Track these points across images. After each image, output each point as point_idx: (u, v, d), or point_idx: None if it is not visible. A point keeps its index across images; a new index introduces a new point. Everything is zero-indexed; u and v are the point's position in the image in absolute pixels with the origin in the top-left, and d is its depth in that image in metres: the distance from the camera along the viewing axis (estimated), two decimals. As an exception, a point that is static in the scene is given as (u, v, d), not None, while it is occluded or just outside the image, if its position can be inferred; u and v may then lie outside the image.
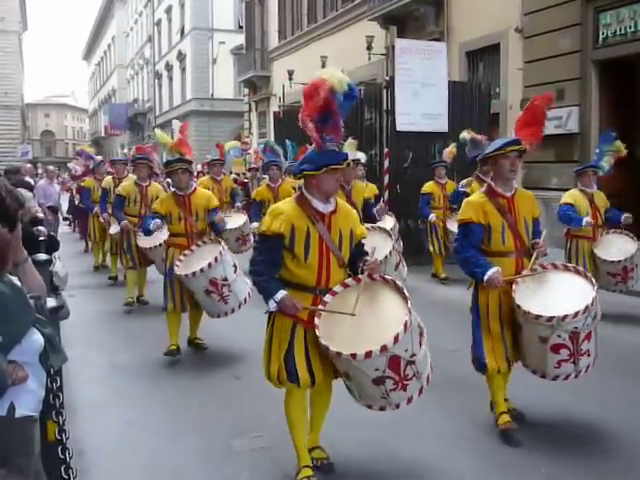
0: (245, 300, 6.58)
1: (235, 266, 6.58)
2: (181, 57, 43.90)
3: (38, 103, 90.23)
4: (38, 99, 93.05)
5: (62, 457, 2.70)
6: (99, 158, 14.76)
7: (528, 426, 4.93)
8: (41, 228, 6.07)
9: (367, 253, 4.25)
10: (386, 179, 12.67)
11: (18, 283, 2.52)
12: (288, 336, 4.05)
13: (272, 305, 3.99)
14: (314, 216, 4.04)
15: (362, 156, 10.59)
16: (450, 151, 11.34)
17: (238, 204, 12.01)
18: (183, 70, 44.02)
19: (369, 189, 10.08)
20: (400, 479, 4.22)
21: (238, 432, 4.92)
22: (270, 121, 24.42)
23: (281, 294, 3.96)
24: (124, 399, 5.75)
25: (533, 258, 4.76)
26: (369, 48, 19.63)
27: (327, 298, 3.99)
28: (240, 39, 34.09)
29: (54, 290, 4.12)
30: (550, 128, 13.51)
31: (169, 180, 14.40)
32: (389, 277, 4.11)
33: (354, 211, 4.44)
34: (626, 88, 12.79)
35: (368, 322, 3.83)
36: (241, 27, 33.79)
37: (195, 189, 7.12)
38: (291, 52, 26.92)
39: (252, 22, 30.79)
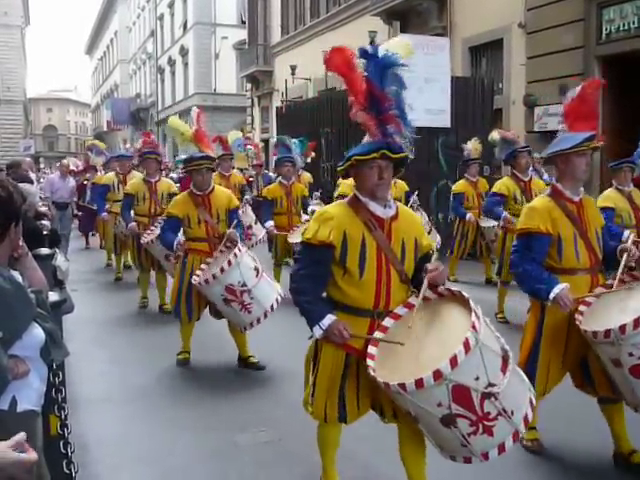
0: (272, 307, 5.81)
1: (257, 269, 5.81)
2: (184, 52, 43.85)
3: (41, 98, 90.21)
4: (41, 94, 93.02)
5: (64, 451, 2.71)
6: (110, 154, 14.48)
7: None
8: (44, 222, 6.10)
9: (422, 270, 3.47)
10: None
11: (19, 278, 2.53)
12: (340, 371, 3.44)
13: (318, 332, 3.34)
14: (371, 222, 3.37)
15: None
16: (475, 147, 10.74)
17: (247, 197, 11.32)
18: (186, 65, 43.97)
19: (398, 187, 9.57)
20: None
21: (242, 427, 4.92)
22: (273, 116, 24.39)
23: (329, 319, 3.30)
24: (127, 394, 5.75)
25: (622, 266, 4.00)
26: (372, 43, 19.53)
27: (387, 322, 3.32)
28: (243, 34, 34.05)
29: (58, 284, 4.13)
30: (553, 124, 13.50)
31: (173, 176, 14.06)
32: (455, 288, 3.31)
33: (419, 217, 3.83)
34: (630, 84, 12.76)
35: (429, 345, 3.10)
36: (244, 22, 33.78)
37: (213, 188, 6.41)
38: (294, 47, 26.90)
39: (255, 17, 30.76)
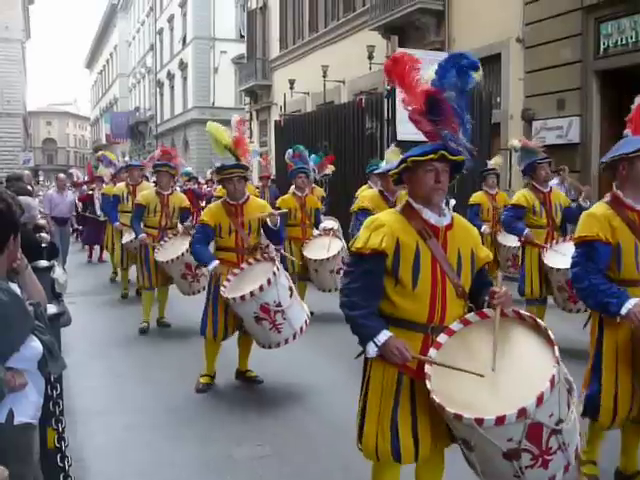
0: (302, 330, 5.62)
1: (291, 289, 5.63)
2: (183, 66, 44.03)
3: (40, 111, 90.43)
4: (40, 107, 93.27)
5: (61, 465, 2.70)
6: (120, 164, 13.87)
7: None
8: (43, 235, 6.09)
9: (492, 283, 3.29)
10: (387, 188, 12.68)
11: (17, 290, 2.52)
12: (392, 393, 3.15)
13: (372, 350, 3.09)
14: (425, 231, 3.15)
15: None
16: (497, 162, 10.47)
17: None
18: (184, 79, 44.14)
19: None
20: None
21: (239, 441, 4.91)
22: (271, 130, 24.46)
23: (385, 335, 3.06)
24: (124, 406, 5.73)
25: None
26: (370, 57, 19.68)
27: (441, 338, 3.07)
28: (241, 48, 34.21)
29: (56, 297, 4.12)
30: (551, 138, 13.57)
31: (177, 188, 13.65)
32: (526, 313, 3.06)
33: (474, 228, 3.50)
34: (627, 98, 12.79)
35: (507, 377, 2.84)
36: (242, 36, 33.93)
37: (248, 197, 6.22)
38: (292, 61, 27.01)
39: (253, 31, 30.89)
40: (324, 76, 22.21)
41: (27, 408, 2.42)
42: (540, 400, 2.61)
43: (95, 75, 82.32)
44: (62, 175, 14.52)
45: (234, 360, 6.36)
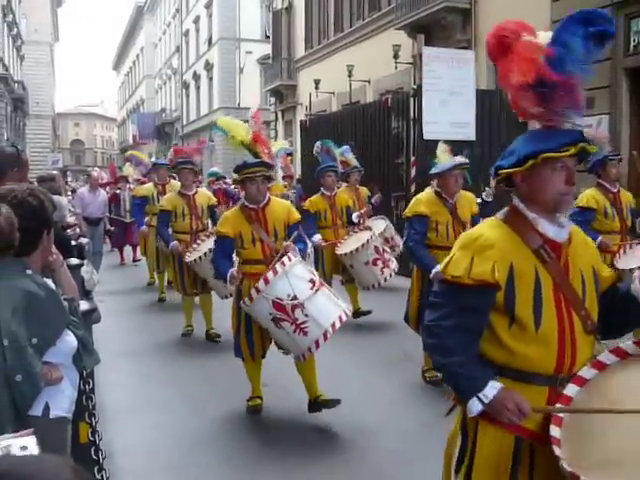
0: (334, 326, 4.70)
1: (313, 282, 4.83)
2: (208, 67, 44.21)
3: (68, 112, 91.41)
4: (68, 109, 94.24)
5: (95, 458, 2.73)
6: (149, 163, 13.40)
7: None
8: (70, 232, 6.16)
9: (630, 298, 2.45)
10: (413, 188, 12.63)
11: (52, 285, 2.56)
12: (509, 464, 2.38)
13: (476, 407, 2.34)
14: (544, 250, 2.40)
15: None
16: None
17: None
18: (210, 80, 44.31)
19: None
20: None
21: (265, 440, 4.94)
22: (296, 130, 24.48)
23: (494, 389, 2.33)
24: (152, 405, 5.78)
25: None
26: (396, 57, 19.62)
27: (570, 390, 2.35)
28: (267, 49, 34.26)
29: (85, 294, 4.17)
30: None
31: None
32: None
33: (591, 240, 2.71)
34: (657, 96, 12.65)
35: None
36: (268, 37, 33.98)
37: (269, 200, 5.45)
38: (318, 61, 27.00)
39: (279, 32, 30.94)
40: (349, 76, 22.18)
41: (62, 402, 2.45)
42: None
43: (122, 77, 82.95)
44: (95, 173, 13.94)
45: (265, 364, 6.31)
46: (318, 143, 9.58)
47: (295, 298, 4.65)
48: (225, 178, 19.57)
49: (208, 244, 7.39)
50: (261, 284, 4.65)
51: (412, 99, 12.81)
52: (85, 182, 16.45)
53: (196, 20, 46.66)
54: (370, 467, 4.40)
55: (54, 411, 2.41)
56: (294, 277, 4.73)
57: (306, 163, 15.67)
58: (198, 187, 8.86)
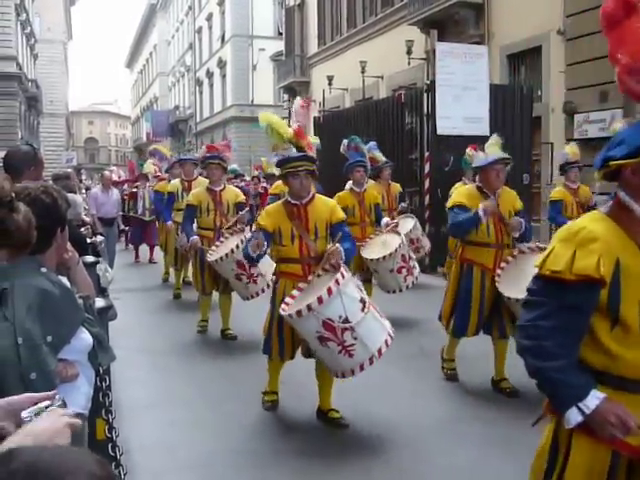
0: (380, 352, 4.49)
1: (363, 301, 4.56)
2: (221, 64, 44.30)
3: (82, 111, 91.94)
4: (82, 107, 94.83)
5: (112, 454, 2.75)
6: (173, 159, 12.87)
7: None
8: (84, 231, 6.20)
9: None
10: (427, 183, 12.62)
11: (67, 283, 2.58)
12: None
13: (574, 418, 2.16)
14: None
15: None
16: (573, 151, 9.24)
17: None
18: (223, 77, 44.40)
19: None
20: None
21: (283, 435, 4.94)
22: (310, 126, 24.49)
23: (596, 398, 2.14)
24: (169, 401, 5.80)
25: None
26: (409, 52, 19.59)
27: None
28: (280, 45, 34.29)
29: (102, 292, 4.20)
30: (594, 131, 13.36)
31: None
32: None
33: None
34: (672, 90, 12.54)
35: None
36: (281, 34, 34.02)
37: (313, 196, 5.24)
38: (331, 58, 26.99)
39: (292, 28, 30.95)
40: (362, 72, 22.16)
41: (78, 399, 2.47)
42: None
43: (135, 74, 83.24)
44: (107, 172, 13.79)
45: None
46: (345, 141, 9.27)
47: (347, 321, 4.37)
48: (243, 176, 19.35)
49: (231, 243, 7.20)
50: (314, 303, 4.30)
51: (425, 94, 12.80)
52: (99, 181, 16.25)
53: (209, 17, 46.77)
54: (385, 461, 4.41)
55: (71, 408, 2.42)
56: (347, 297, 4.43)
57: (321, 159, 15.64)
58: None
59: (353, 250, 5.22)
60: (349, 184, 8.84)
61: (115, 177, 20.68)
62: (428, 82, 13.40)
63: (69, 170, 12.99)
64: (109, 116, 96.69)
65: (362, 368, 4.49)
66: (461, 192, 6.01)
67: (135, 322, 8.56)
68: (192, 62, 51.90)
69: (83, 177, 33.57)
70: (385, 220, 8.48)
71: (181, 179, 10.25)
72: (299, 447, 4.72)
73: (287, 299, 4.74)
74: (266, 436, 4.95)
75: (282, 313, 4.61)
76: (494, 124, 12.74)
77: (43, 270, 2.48)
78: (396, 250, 7.77)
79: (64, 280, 2.59)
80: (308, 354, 5.11)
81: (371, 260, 7.90)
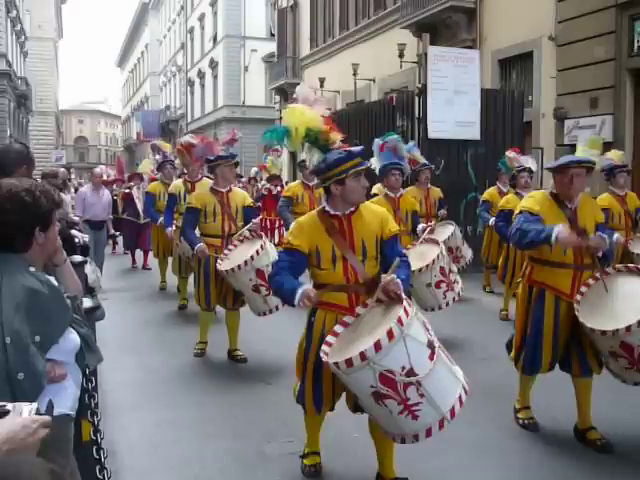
0: (454, 412, 3.41)
1: (431, 344, 3.43)
2: (213, 64, 44.24)
3: (72, 109, 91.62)
4: (72, 105, 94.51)
5: (97, 457, 2.73)
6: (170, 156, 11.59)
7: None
8: (76, 233, 6.15)
9: None
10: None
11: (55, 283, 2.56)
12: None
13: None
14: None
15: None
16: (616, 155, 8.36)
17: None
18: (215, 77, 44.34)
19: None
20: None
21: (269, 436, 4.92)
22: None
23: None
24: (155, 402, 5.77)
25: None
26: (401, 56, 19.61)
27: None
28: (272, 47, 34.28)
29: (89, 292, 4.17)
30: (584, 137, 13.38)
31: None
32: None
33: None
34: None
35: None
36: (273, 35, 34.02)
37: (358, 204, 4.05)
38: (323, 60, 26.99)
39: (284, 30, 30.94)
40: (354, 74, 22.17)
41: (66, 400, 2.45)
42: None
43: (126, 74, 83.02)
44: (98, 170, 12.22)
45: (267, 362, 6.25)
46: (378, 140, 8.30)
47: (411, 373, 3.30)
48: (242, 177, 18.78)
49: (246, 249, 6.37)
50: (370, 351, 3.22)
51: (417, 98, 12.82)
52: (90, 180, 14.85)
53: (201, 17, 46.71)
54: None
55: (58, 408, 2.40)
56: (412, 341, 3.34)
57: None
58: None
59: (409, 280, 4.06)
60: (376, 187, 8.39)
61: (104, 177, 20.03)
62: (420, 86, 13.41)
63: (58, 169, 12.56)
64: (99, 115, 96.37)
65: (429, 433, 3.44)
66: (534, 197, 4.93)
67: (123, 323, 8.52)
68: (184, 62, 51.80)
69: (72, 176, 33.41)
70: (421, 226, 7.76)
71: (184, 180, 9.29)
72: (287, 448, 4.70)
73: (329, 338, 3.70)
74: (253, 435, 4.93)
75: (323, 358, 3.56)
76: (485, 128, 12.80)
77: (32, 269, 2.46)
78: (434, 262, 6.92)
79: (52, 280, 2.57)
80: (357, 408, 3.97)
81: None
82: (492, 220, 8.91)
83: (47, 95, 57.49)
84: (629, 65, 12.83)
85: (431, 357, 3.38)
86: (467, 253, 9.53)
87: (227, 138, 8.20)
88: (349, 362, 3.27)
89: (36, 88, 50.81)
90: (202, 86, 47.91)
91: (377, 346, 3.22)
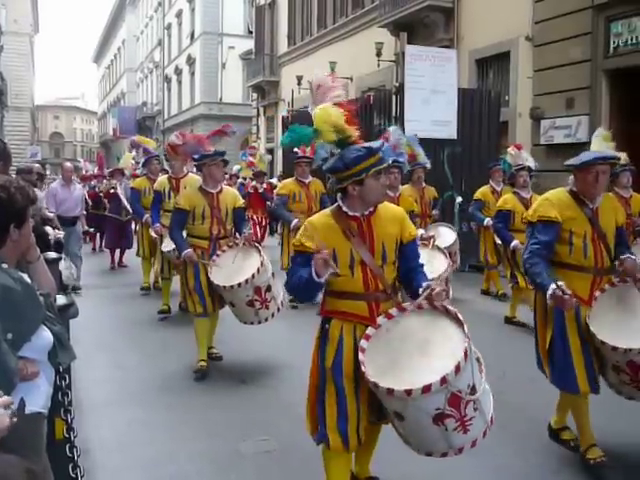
0: (492, 418, 3.29)
1: (478, 359, 3.26)
2: (190, 61, 44.05)
3: (48, 105, 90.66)
4: (48, 101, 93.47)
5: (70, 455, 2.71)
6: (154, 153, 11.08)
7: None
8: (49, 230, 6.07)
9: None
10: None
11: (28, 280, 2.53)
12: None
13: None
14: None
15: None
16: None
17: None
18: (192, 74, 44.15)
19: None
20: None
21: (244, 435, 4.90)
22: (278, 126, 24.42)
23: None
24: (129, 400, 5.74)
25: None
26: (378, 55, 19.65)
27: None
28: (249, 44, 34.20)
29: (63, 289, 4.14)
30: (559, 137, 13.51)
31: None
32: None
33: None
34: (637, 98, 12.76)
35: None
36: (251, 32, 33.93)
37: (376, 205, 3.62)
38: (300, 57, 26.97)
39: (262, 27, 30.89)
40: (332, 72, 22.18)
41: (38, 397, 2.43)
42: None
43: (103, 70, 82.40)
44: (68, 164, 11.70)
45: (242, 360, 6.21)
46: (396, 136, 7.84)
47: (474, 391, 3.13)
48: (227, 174, 18.41)
49: (243, 264, 6.05)
50: (451, 375, 2.97)
51: (394, 97, 12.86)
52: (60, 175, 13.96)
53: (179, 14, 46.47)
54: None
55: (30, 407, 2.38)
56: (472, 357, 3.18)
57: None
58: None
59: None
60: None
61: (84, 171, 19.20)
62: (397, 84, 13.46)
63: (32, 165, 12.29)
64: (75, 111, 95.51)
65: (474, 444, 3.25)
66: (550, 201, 4.39)
67: (98, 320, 8.46)
68: (161, 58, 51.50)
69: (48, 172, 33.07)
70: (420, 232, 7.05)
71: (169, 176, 9.05)
72: (262, 447, 4.69)
73: (362, 356, 3.28)
74: (227, 436, 4.90)
75: (377, 387, 3.12)
76: (462, 128, 12.87)
77: (4, 266, 2.43)
78: (446, 270, 6.57)
79: (25, 277, 2.54)
80: (378, 419, 3.65)
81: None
82: (487, 220, 8.90)
83: (23, 90, 56.86)
84: (605, 66, 12.96)
85: (480, 370, 3.24)
86: (458, 259, 9.25)
87: (216, 129, 7.66)
88: (427, 389, 2.99)
89: (11, 83, 50.22)
90: (179, 83, 47.69)
91: (457, 369, 3.01)
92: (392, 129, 8.15)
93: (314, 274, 3.33)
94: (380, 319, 3.42)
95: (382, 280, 3.54)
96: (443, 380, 2.98)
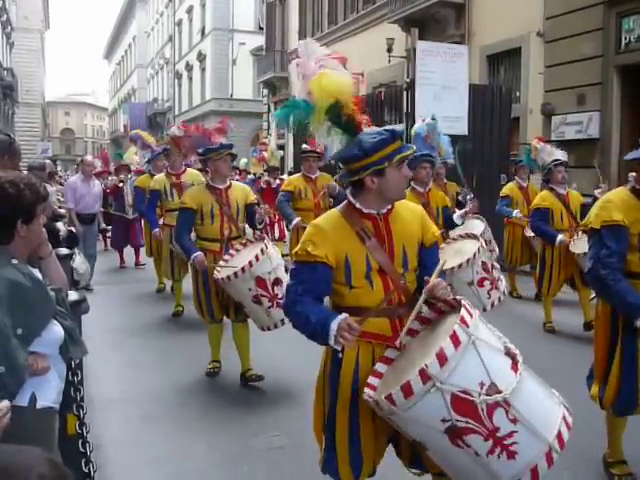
0: (561, 437, 2.49)
1: (509, 351, 2.61)
2: (201, 57, 44.09)
3: (59, 101, 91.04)
4: (59, 97, 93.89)
5: (82, 450, 2.71)
6: (158, 149, 10.58)
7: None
8: (60, 225, 6.08)
9: None
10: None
11: (39, 275, 2.54)
12: None
13: None
14: None
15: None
16: None
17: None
18: (203, 70, 44.20)
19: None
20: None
21: (256, 431, 4.89)
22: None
23: None
24: (140, 396, 5.74)
25: None
26: (389, 50, 19.60)
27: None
28: (260, 40, 34.19)
29: (74, 285, 4.15)
30: (570, 133, 13.45)
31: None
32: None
33: None
34: (648, 94, 12.70)
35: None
36: (261, 28, 33.92)
37: (394, 204, 3.09)
38: (311, 54, 26.96)
39: (272, 23, 30.89)
40: (344, 68, 22.14)
41: (49, 392, 2.43)
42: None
43: (113, 66, 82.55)
44: (89, 158, 11.17)
45: (256, 357, 6.14)
46: (420, 131, 7.60)
47: (494, 390, 2.42)
48: (238, 169, 18.06)
49: (247, 254, 5.53)
50: (433, 366, 2.37)
51: (405, 93, 12.80)
52: (77, 170, 13.62)
53: (189, 10, 46.51)
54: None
55: (41, 401, 2.39)
56: (485, 348, 2.49)
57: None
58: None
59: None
60: None
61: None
62: (408, 80, 13.40)
63: (47, 161, 12.14)
64: (86, 107, 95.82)
65: (536, 475, 2.45)
66: (613, 202, 3.76)
67: (107, 316, 8.45)
68: (171, 55, 51.58)
69: (59, 168, 33.16)
70: (458, 214, 7.02)
71: (167, 172, 8.65)
72: (273, 442, 4.69)
73: (371, 379, 2.77)
74: (238, 432, 4.90)
75: (368, 401, 2.68)
76: (473, 124, 12.81)
77: (14, 262, 2.43)
78: (474, 256, 5.88)
79: (36, 272, 2.55)
80: (414, 459, 3.02)
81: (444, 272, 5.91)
82: (516, 212, 8.95)
83: (33, 87, 57.07)
84: (617, 62, 12.89)
85: (514, 368, 2.51)
86: (495, 247, 8.24)
87: (216, 126, 7.08)
88: (407, 388, 2.38)
89: (22, 79, 50.42)
90: (190, 79, 47.74)
91: (441, 357, 2.36)
92: (427, 120, 7.76)
93: (332, 341, 2.69)
94: (403, 336, 2.79)
95: (405, 292, 2.97)
96: (423, 374, 2.36)
